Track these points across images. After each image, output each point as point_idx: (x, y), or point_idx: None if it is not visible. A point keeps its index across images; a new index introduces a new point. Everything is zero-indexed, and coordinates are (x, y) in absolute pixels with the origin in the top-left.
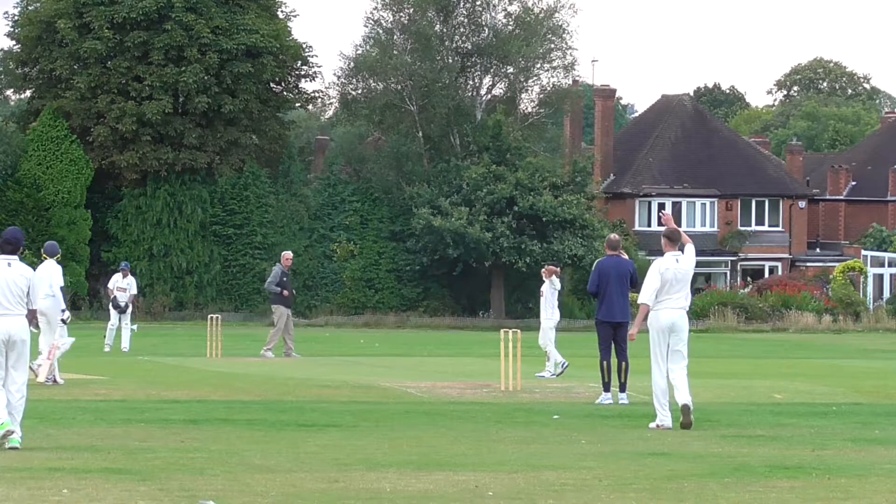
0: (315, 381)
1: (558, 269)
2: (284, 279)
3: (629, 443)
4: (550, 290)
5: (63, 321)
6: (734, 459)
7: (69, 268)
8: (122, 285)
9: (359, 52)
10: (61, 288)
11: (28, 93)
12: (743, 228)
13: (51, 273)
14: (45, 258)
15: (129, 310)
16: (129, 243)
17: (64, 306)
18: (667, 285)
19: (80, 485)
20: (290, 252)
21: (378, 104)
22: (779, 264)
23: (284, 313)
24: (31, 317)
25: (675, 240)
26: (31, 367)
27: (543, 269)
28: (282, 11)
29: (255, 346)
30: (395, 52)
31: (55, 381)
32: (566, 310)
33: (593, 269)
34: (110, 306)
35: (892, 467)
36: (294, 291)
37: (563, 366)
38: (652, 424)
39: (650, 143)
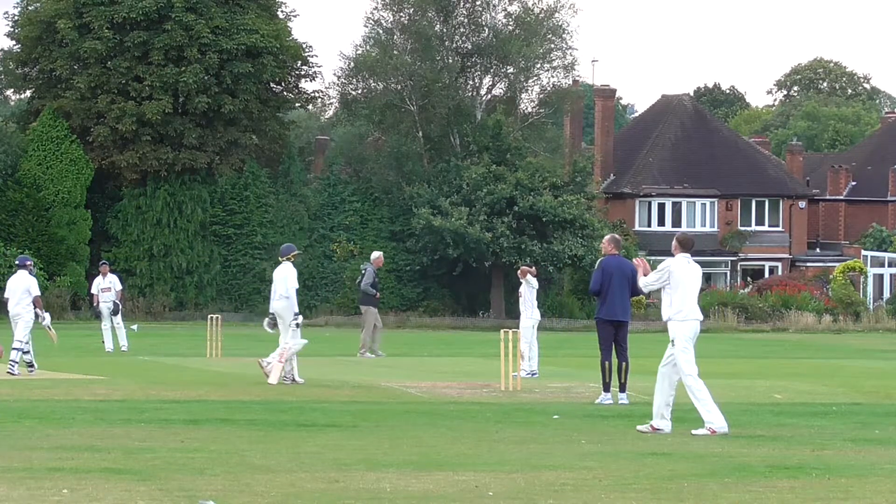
0: (315, 381)
1: (533, 269)
2: (377, 279)
3: (629, 443)
4: (528, 290)
5: (297, 325)
6: (734, 459)
7: (69, 268)
8: (105, 285)
9: (359, 52)
10: (296, 290)
11: (28, 93)
12: (743, 228)
13: (286, 275)
14: (281, 260)
15: (120, 308)
16: (129, 243)
17: (297, 309)
18: (681, 286)
19: (80, 485)
20: (380, 253)
21: (378, 104)
22: (779, 264)
23: (375, 313)
24: None
25: (686, 246)
26: (260, 364)
27: (518, 270)
28: (282, 11)
29: (256, 346)
30: (395, 52)
31: (294, 380)
32: (566, 310)
33: (596, 267)
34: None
35: (892, 467)
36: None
37: (531, 374)
38: (701, 430)
39: (650, 143)
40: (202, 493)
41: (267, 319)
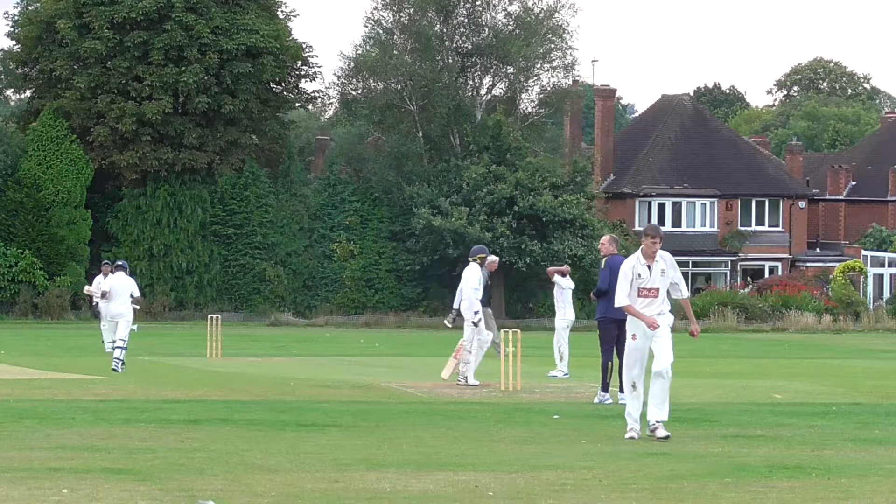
0: (315, 381)
1: (564, 268)
2: (489, 283)
3: (629, 443)
4: (558, 291)
5: (474, 323)
6: (734, 459)
7: (69, 268)
8: (106, 287)
9: (359, 52)
10: (474, 290)
11: (28, 93)
12: (743, 228)
13: (467, 276)
14: (469, 261)
15: None
16: (129, 243)
17: (476, 307)
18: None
19: (80, 485)
20: (496, 258)
21: (378, 104)
22: (779, 264)
23: (489, 314)
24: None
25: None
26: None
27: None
28: (282, 11)
29: (255, 347)
30: (395, 52)
31: (468, 382)
32: None
33: (603, 266)
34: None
35: (892, 467)
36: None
37: (565, 375)
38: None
39: (650, 143)
40: (202, 493)
41: (450, 315)
